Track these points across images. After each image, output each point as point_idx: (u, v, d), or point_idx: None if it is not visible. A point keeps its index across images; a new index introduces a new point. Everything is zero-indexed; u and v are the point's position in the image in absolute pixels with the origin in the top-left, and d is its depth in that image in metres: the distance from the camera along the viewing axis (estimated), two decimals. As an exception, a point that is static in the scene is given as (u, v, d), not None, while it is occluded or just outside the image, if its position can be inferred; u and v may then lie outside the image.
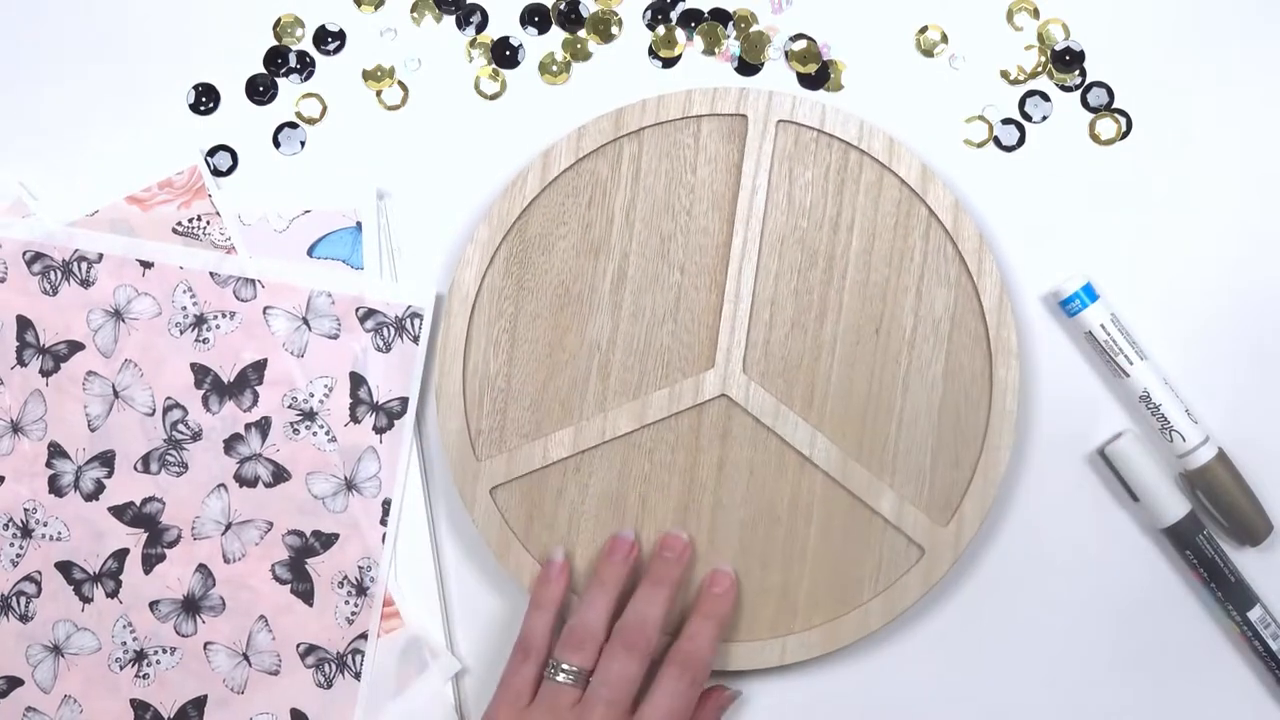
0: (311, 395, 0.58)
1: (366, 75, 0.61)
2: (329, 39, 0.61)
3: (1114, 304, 0.59)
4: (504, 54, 0.61)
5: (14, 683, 0.58)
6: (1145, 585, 0.59)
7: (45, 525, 0.58)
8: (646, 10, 0.61)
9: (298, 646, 0.58)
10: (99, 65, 0.61)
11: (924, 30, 0.61)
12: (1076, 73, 0.60)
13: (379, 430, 0.58)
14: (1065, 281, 0.58)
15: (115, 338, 0.58)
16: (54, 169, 0.60)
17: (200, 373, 0.58)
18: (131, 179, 0.59)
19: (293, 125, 0.61)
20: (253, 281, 0.58)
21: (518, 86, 0.61)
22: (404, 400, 0.58)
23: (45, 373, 0.58)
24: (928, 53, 0.61)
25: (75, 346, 0.58)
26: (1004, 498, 0.59)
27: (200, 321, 0.58)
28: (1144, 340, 0.59)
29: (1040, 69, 0.61)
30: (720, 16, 0.61)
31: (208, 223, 0.58)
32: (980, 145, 0.60)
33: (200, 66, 0.61)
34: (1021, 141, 0.60)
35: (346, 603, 0.58)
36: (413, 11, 0.61)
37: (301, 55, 0.61)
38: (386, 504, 0.58)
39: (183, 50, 0.61)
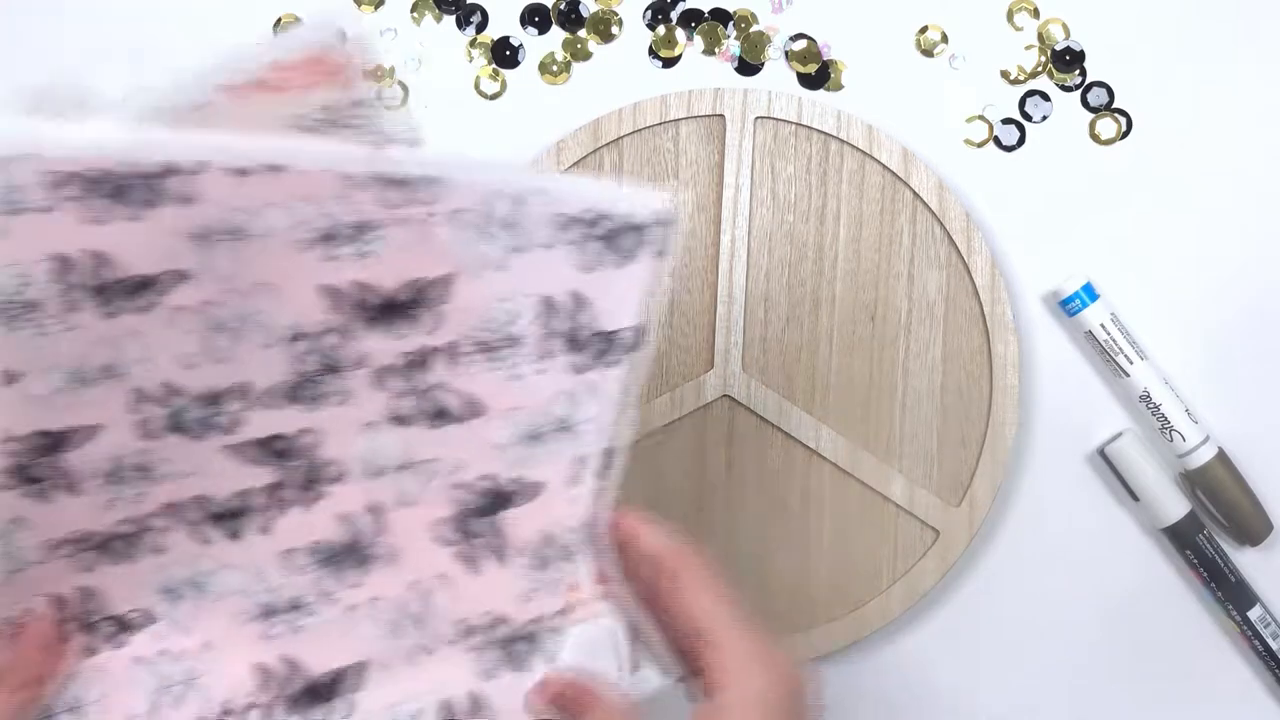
0: (505, 322, 0.45)
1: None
2: (329, 39, 0.61)
3: (1114, 304, 0.59)
4: (504, 54, 0.61)
5: (140, 623, 0.48)
6: (1145, 584, 0.59)
7: (165, 465, 0.46)
8: (646, 10, 0.61)
9: (466, 617, 0.47)
10: (99, 65, 0.61)
11: (924, 30, 0.61)
12: (1076, 73, 0.60)
13: (588, 368, 0.45)
14: (1065, 281, 0.58)
15: (232, 260, 0.43)
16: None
17: (356, 292, 0.44)
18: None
19: (293, 125, 0.61)
20: (431, 180, 0.43)
21: (518, 86, 0.61)
22: (632, 330, 0.44)
23: (138, 310, 0.44)
24: (928, 53, 0.61)
25: (171, 276, 0.43)
26: (1006, 493, 0.59)
27: (358, 230, 0.43)
28: (1144, 340, 0.59)
29: (1040, 69, 0.61)
30: (720, 16, 0.61)
31: (364, 106, 0.44)
32: (980, 145, 0.60)
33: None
34: (1021, 141, 0.60)
35: (526, 573, 0.46)
36: (413, 11, 0.61)
37: (301, 55, 0.61)
38: (597, 456, 0.45)
39: (183, 50, 0.61)
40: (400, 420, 0.45)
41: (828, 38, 0.61)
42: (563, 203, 0.43)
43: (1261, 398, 0.59)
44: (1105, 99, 0.60)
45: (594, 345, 0.45)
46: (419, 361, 0.45)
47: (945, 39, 0.61)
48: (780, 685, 0.42)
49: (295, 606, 0.47)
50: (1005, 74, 0.61)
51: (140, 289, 0.43)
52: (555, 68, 0.61)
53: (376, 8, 0.61)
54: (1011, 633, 0.59)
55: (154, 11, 0.61)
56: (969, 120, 0.60)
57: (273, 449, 0.46)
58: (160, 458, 0.46)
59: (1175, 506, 0.57)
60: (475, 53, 0.61)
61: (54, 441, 0.44)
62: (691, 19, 0.61)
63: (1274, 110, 0.60)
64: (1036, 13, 0.61)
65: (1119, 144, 0.60)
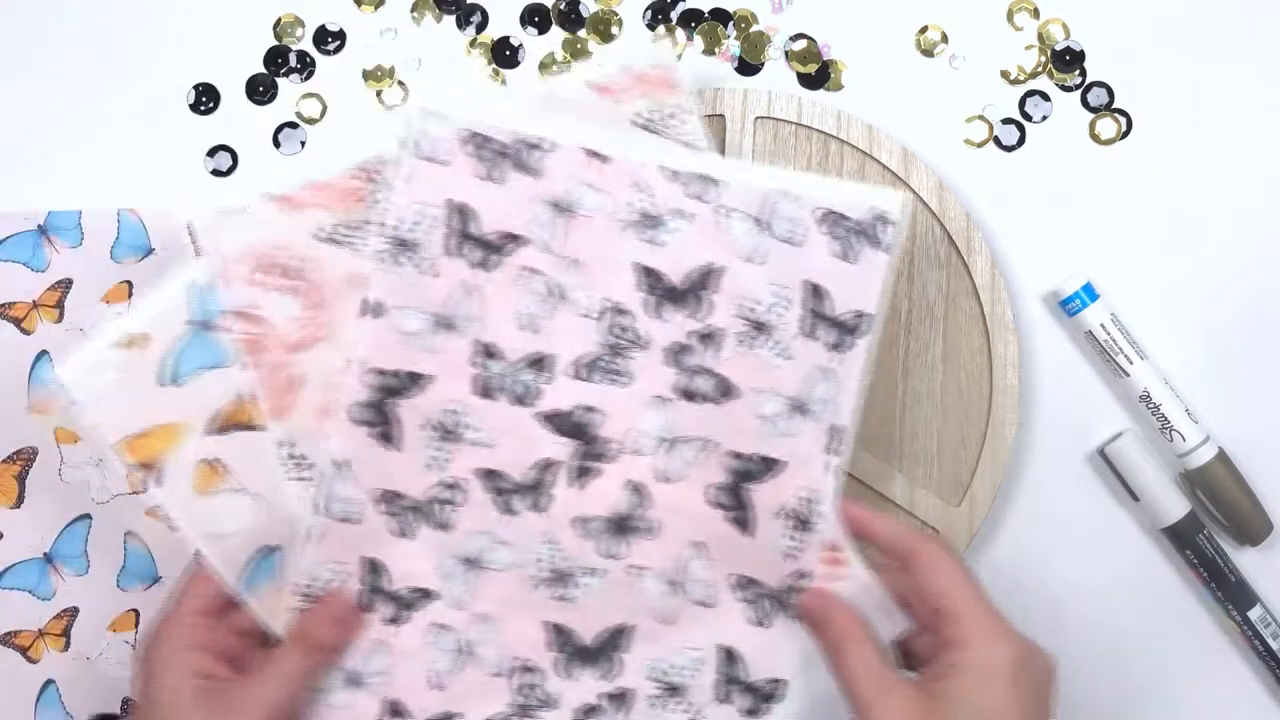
0: (769, 307, 0.51)
1: (367, 75, 0.61)
2: (329, 39, 0.61)
3: (1114, 304, 0.59)
4: (504, 54, 0.61)
5: (426, 595, 0.52)
6: (1145, 584, 0.59)
7: (474, 430, 0.51)
8: (646, 10, 0.61)
9: (731, 578, 0.52)
10: (99, 65, 0.61)
11: (924, 30, 0.61)
12: (1076, 73, 0.60)
13: (835, 348, 0.51)
14: (1065, 281, 0.58)
15: (563, 233, 0.51)
16: (51, 167, 0.60)
17: (651, 276, 0.51)
18: (134, 182, 0.59)
19: (293, 125, 0.61)
20: (715, 181, 0.51)
21: (518, 86, 0.61)
22: (866, 317, 0.51)
23: (484, 266, 0.51)
24: (928, 53, 0.61)
25: (519, 240, 0.51)
26: (1006, 493, 0.59)
27: (656, 222, 0.51)
28: (1144, 340, 0.59)
29: (1040, 69, 0.61)
30: (720, 16, 0.61)
31: (672, 115, 0.53)
32: (980, 145, 0.60)
33: (200, 66, 0.61)
34: (1021, 141, 0.60)
35: (783, 536, 0.51)
36: (413, 11, 0.61)
37: (301, 55, 0.61)
38: (837, 431, 0.51)
39: (183, 50, 0.61)
40: (680, 396, 0.51)
41: (828, 38, 0.61)
42: (815, 200, 0.51)
43: (1261, 398, 0.59)
44: (1105, 99, 0.60)
45: (838, 330, 0.51)
46: (698, 342, 0.51)
47: (945, 39, 0.61)
48: (1023, 656, 0.43)
49: (578, 572, 0.51)
50: (1005, 74, 0.61)
51: (495, 247, 0.50)
52: (555, 68, 0.61)
53: (376, 8, 0.61)
54: (1011, 633, 0.59)
55: (154, 11, 0.61)
56: (969, 120, 0.60)
57: (567, 421, 0.51)
58: (468, 422, 0.50)
59: (1175, 506, 0.57)
60: (475, 53, 0.61)
61: (400, 384, 0.49)
62: (691, 19, 0.61)
63: (1274, 110, 0.60)
64: (1036, 13, 0.61)
65: (1119, 144, 0.60)
